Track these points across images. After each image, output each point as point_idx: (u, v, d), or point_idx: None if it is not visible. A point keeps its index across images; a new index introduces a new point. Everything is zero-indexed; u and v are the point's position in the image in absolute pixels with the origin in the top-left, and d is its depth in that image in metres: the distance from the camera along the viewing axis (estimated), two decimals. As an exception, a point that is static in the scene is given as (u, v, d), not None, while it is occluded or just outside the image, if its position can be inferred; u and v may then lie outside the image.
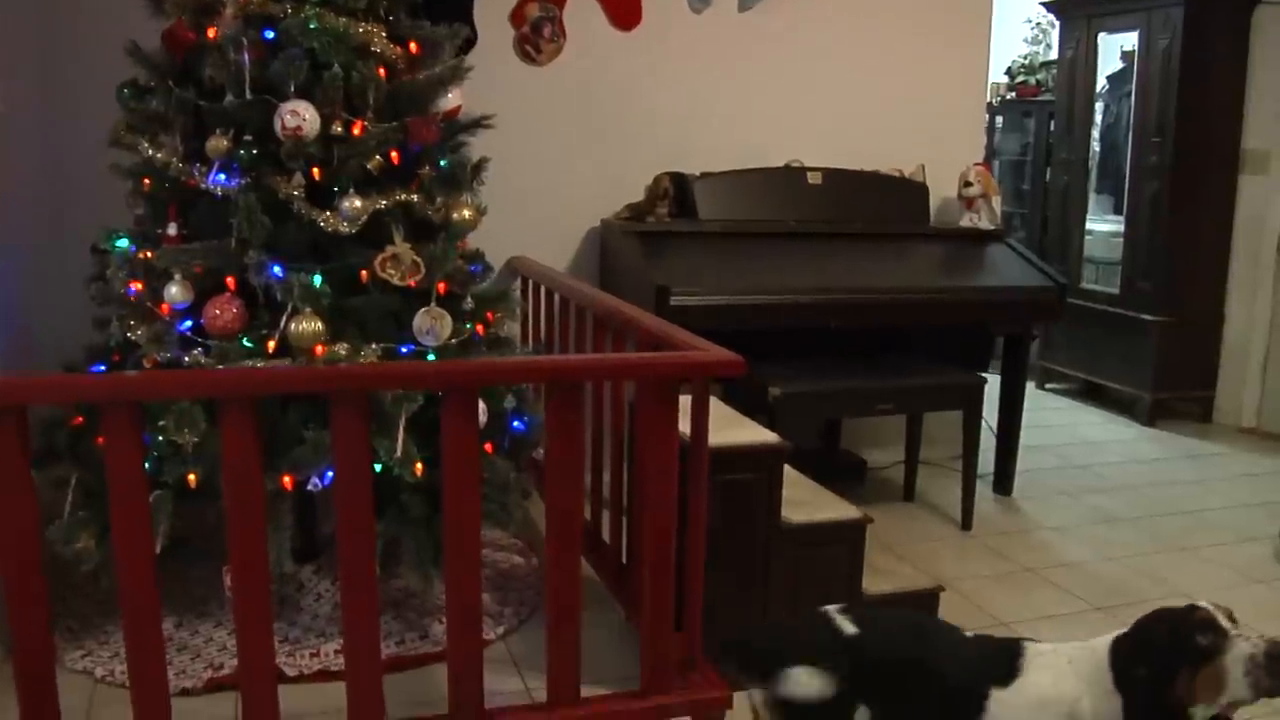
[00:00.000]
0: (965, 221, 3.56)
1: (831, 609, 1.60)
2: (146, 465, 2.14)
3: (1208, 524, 3.36)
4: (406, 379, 1.90)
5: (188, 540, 2.36)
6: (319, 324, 2.16)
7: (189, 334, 2.24)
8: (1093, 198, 4.99)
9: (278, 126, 2.19)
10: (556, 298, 2.81)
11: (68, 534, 2.16)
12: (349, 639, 1.75)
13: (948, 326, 3.41)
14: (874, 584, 2.32)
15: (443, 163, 2.44)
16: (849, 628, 1.54)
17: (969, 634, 1.56)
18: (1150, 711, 1.38)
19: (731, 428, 2.23)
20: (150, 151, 2.29)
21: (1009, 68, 5.91)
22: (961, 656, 1.51)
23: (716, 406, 2.37)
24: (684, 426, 1.90)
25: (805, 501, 2.30)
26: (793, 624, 1.66)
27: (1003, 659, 1.48)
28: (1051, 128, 5.35)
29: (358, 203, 2.23)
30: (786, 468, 2.31)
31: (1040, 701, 1.43)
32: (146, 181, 2.36)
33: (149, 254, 2.27)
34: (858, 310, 3.05)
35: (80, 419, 2.28)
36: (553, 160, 3.42)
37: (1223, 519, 3.41)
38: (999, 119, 5.90)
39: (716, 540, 2.07)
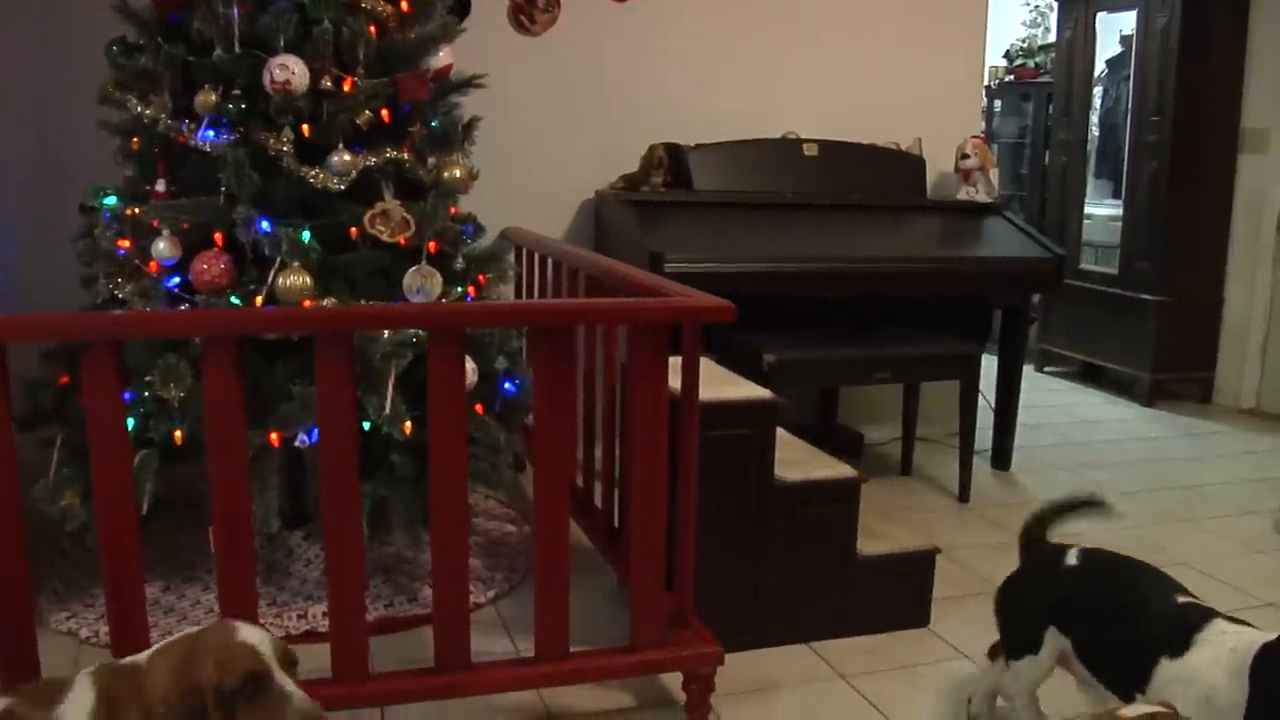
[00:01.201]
0: (962, 195, 3.53)
1: (1075, 546, 1.71)
2: (132, 422, 2.14)
3: (1207, 498, 3.34)
4: (390, 320, 1.87)
5: (175, 504, 2.34)
6: (307, 279, 2.13)
7: (176, 290, 2.22)
8: (1092, 182, 4.97)
9: (266, 81, 2.17)
10: (550, 262, 2.78)
11: (53, 492, 2.14)
12: (333, 578, 1.72)
13: (945, 299, 3.38)
14: (869, 545, 2.29)
15: (434, 122, 2.43)
16: (1072, 560, 1.68)
17: (1181, 599, 1.55)
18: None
19: (724, 385, 2.20)
20: (139, 108, 2.27)
21: (1007, 50, 5.90)
22: (1151, 620, 1.53)
23: (710, 366, 2.35)
24: (676, 384, 1.87)
25: (799, 461, 2.27)
26: (1045, 548, 1.78)
27: (1182, 631, 1.48)
28: (1050, 110, 5.33)
29: (346, 157, 2.21)
30: (781, 431, 2.29)
31: (1189, 678, 1.43)
32: (135, 141, 2.35)
33: (137, 211, 2.25)
34: (854, 279, 3.03)
35: (65, 378, 2.27)
36: (547, 131, 3.40)
37: (1222, 493, 3.39)
38: (997, 102, 5.88)
39: (709, 497, 2.05)
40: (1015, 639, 1.74)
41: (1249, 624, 1.48)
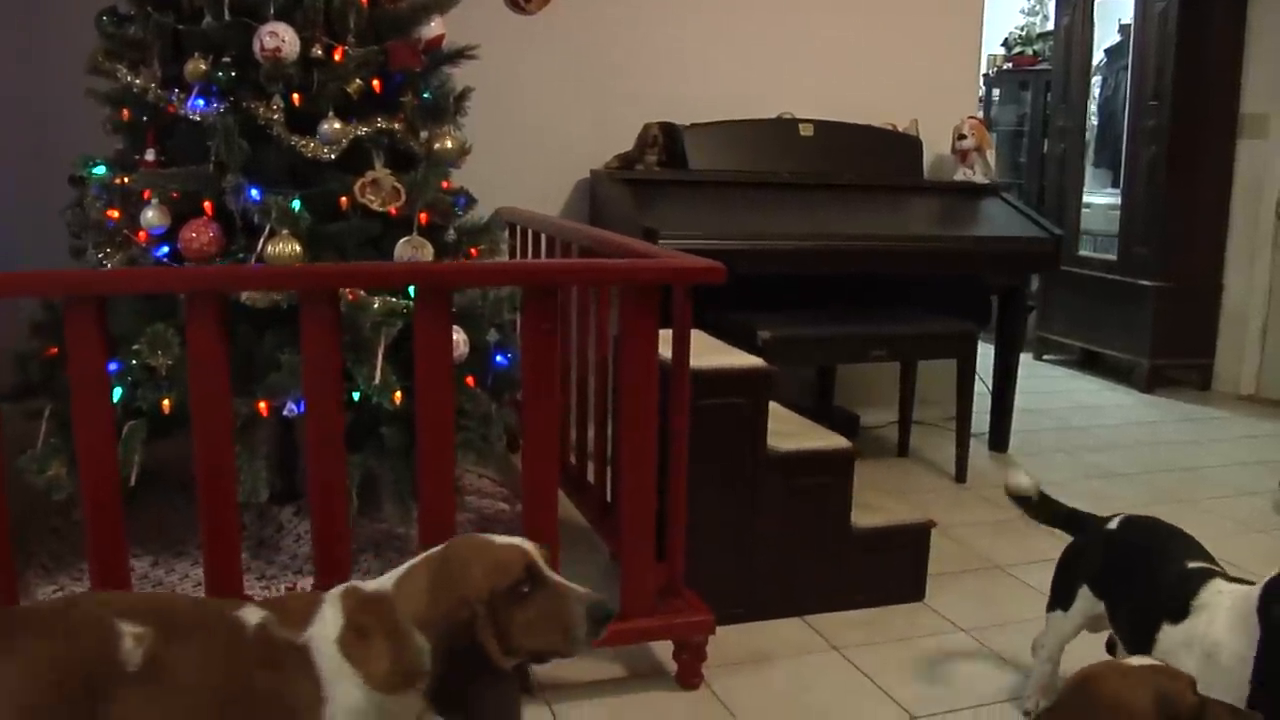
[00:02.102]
0: (959, 176, 3.52)
1: (1121, 515, 1.75)
2: (120, 391, 2.13)
3: (1206, 479, 3.32)
4: (375, 278, 1.85)
5: (165, 481, 2.33)
6: (296, 246, 2.11)
7: (165, 260, 2.20)
8: (1091, 171, 4.95)
9: (257, 48, 2.15)
10: (544, 238, 2.76)
11: (40, 463, 2.13)
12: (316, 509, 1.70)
13: (942, 279, 3.36)
14: (864, 518, 2.27)
15: (425, 93, 2.41)
16: (1113, 525, 1.71)
17: (1191, 565, 1.55)
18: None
19: (717, 354, 2.18)
20: (129, 78, 2.25)
21: (1005, 39, 5.88)
22: (1160, 584, 1.54)
23: (703, 337, 2.33)
24: (668, 354, 1.85)
25: (793, 433, 2.25)
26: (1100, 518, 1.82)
27: (1182, 595, 1.48)
28: (1048, 99, 5.31)
29: (337, 125, 2.19)
30: (776, 405, 2.27)
31: (1188, 640, 1.43)
32: (125, 111, 2.33)
33: (126, 180, 2.24)
34: (850, 256, 3.01)
35: (54, 350, 2.25)
36: (542, 111, 3.38)
37: (1222, 475, 3.37)
38: (995, 91, 5.86)
39: (702, 468, 2.03)
40: (1054, 594, 1.81)
41: (1251, 582, 1.46)
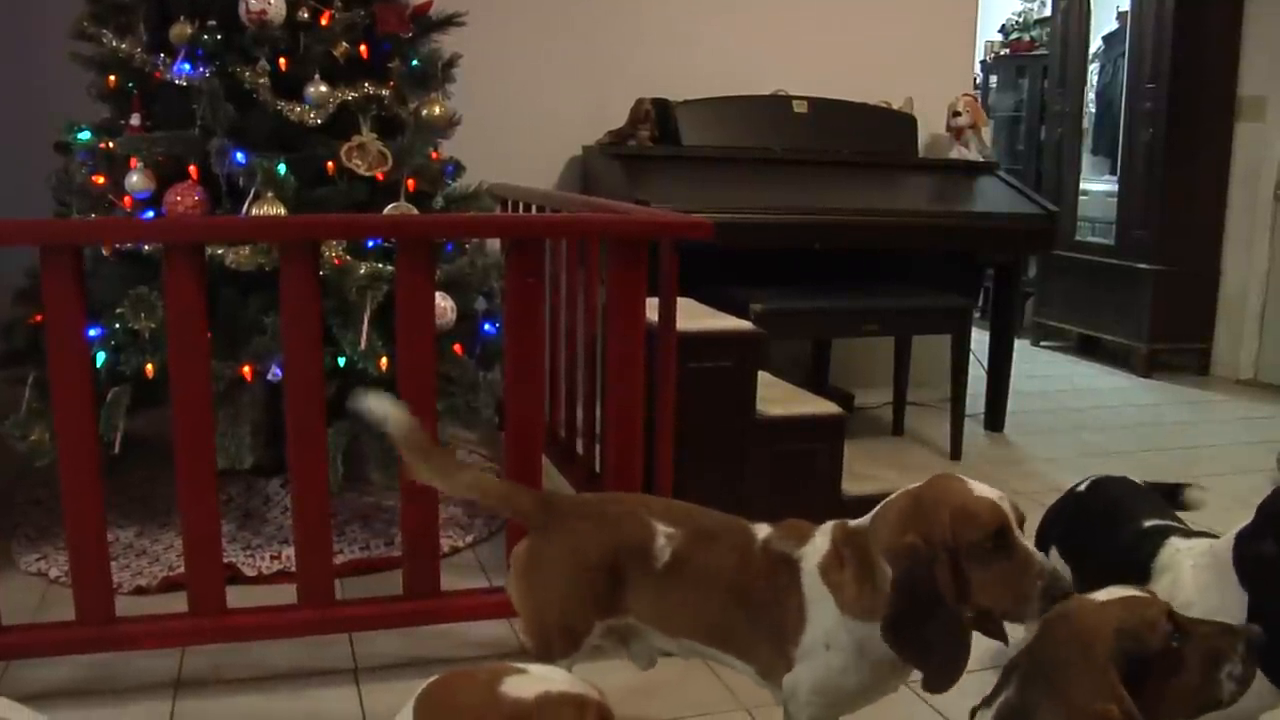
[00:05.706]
0: (954, 154, 3.49)
1: (1094, 475, 1.71)
2: (104, 356, 2.11)
3: (1204, 458, 3.30)
4: (354, 229, 1.83)
5: (151, 451, 2.30)
6: (281, 209, 2.10)
7: (149, 224, 2.19)
8: (1089, 158, 4.92)
9: (242, 12, 2.14)
10: (534, 209, 2.74)
11: (23, 427, 2.11)
12: (296, 486, 1.68)
13: (937, 256, 3.34)
14: (855, 487, 2.25)
15: (414, 61, 2.40)
16: (1082, 487, 1.68)
17: (1147, 524, 1.50)
18: None
19: (706, 318, 2.16)
20: (114, 42, 2.24)
21: (1003, 25, 5.86)
22: (1117, 548, 1.50)
23: (692, 304, 2.31)
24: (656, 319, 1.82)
25: (783, 399, 2.23)
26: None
27: (1141, 558, 1.43)
28: (1045, 84, 5.29)
29: (323, 88, 2.18)
30: (766, 374, 2.24)
31: None
32: (112, 78, 2.32)
33: (111, 145, 2.22)
34: (844, 231, 2.98)
35: (39, 317, 2.23)
36: (533, 89, 3.37)
37: (1219, 454, 3.34)
38: (993, 77, 5.84)
39: (690, 432, 2.00)
40: None
41: (1205, 534, 1.42)
